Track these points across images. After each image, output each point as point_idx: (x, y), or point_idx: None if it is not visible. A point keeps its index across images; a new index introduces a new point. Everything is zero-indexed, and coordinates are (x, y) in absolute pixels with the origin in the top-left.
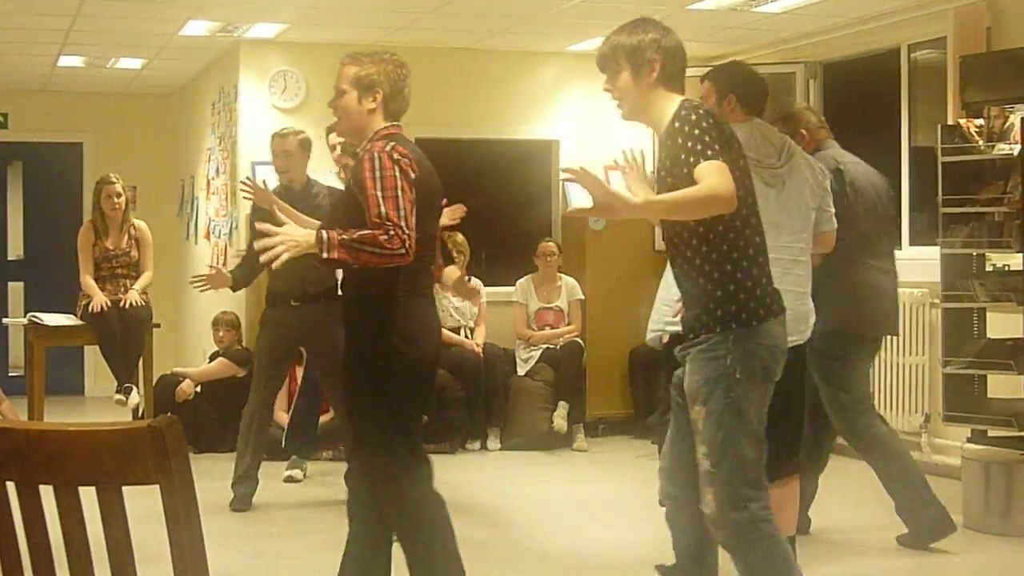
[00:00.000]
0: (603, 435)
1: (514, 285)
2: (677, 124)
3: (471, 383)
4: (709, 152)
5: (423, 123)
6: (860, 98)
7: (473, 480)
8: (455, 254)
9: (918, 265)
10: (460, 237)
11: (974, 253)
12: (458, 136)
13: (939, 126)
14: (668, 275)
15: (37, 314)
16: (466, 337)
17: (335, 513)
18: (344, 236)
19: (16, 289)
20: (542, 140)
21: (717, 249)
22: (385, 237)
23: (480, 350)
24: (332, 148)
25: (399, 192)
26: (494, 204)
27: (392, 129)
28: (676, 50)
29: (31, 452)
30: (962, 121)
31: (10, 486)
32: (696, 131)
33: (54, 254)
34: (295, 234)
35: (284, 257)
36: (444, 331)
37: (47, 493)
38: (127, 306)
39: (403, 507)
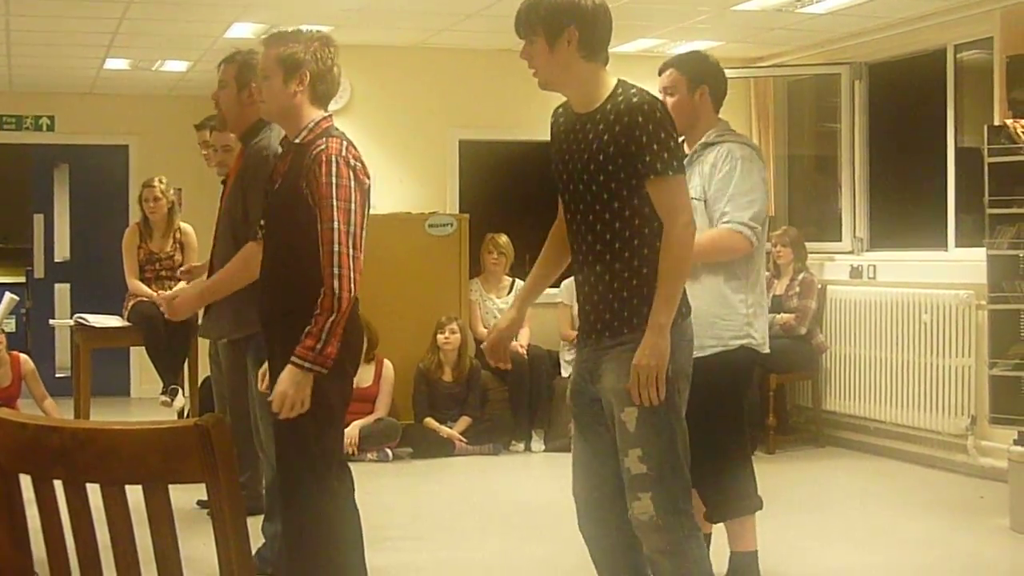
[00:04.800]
0: None
1: (559, 286)
2: (641, 117)
3: (515, 385)
4: (675, 163)
5: (467, 125)
6: (906, 99)
7: (517, 482)
8: (496, 255)
9: (964, 266)
10: (504, 238)
11: (1021, 254)
12: (502, 138)
13: (985, 127)
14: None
15: (84, 315)
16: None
17: (371, 514)
18: (318, 346)
19: (63, 291)
20: None
21: (639, 253)
22: (333, 299)
23: (524, 351)
24: (207, 147)
25: (352, 206)
26: (538, 205)
27: (326, 122)
28: (598, 15)
29: (78, 451)
30: (1008, 121)
31: (57, 485)
32: (662, 133)
33: (100, 256)
34: (286, 388)
35: (300, 408)
36: (488, 332)
37: (94, 492)
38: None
39: (308, 517)
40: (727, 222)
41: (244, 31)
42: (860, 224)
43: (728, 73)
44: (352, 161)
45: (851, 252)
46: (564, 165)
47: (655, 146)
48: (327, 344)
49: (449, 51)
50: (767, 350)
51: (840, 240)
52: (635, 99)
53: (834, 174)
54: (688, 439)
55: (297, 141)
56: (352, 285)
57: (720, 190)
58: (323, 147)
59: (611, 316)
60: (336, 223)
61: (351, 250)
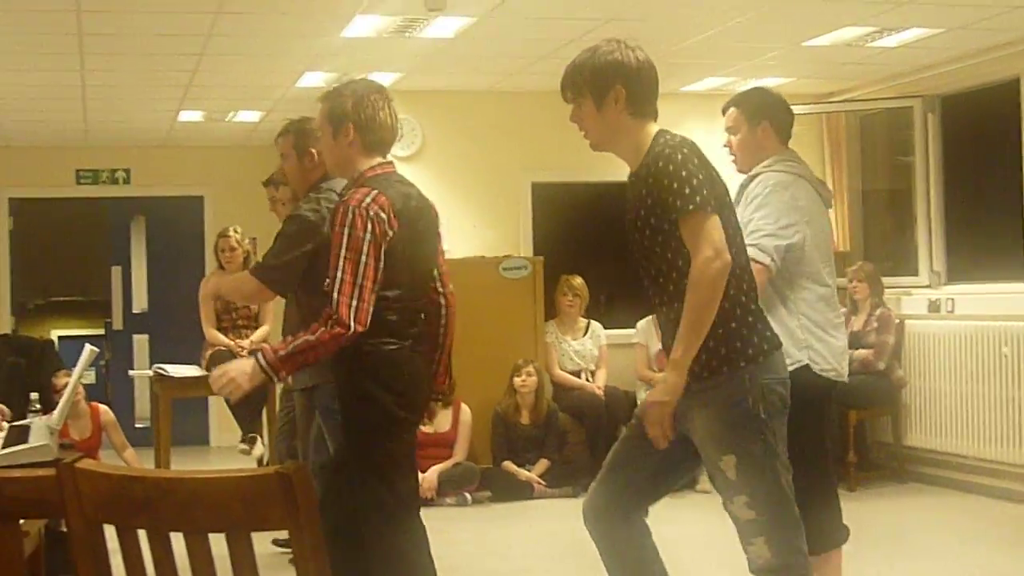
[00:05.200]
0: None
1: (635, 327)
2: (662, 162)
3: (593, 426)
4: (698, 199)
5: (539, 167)
6: (980, 130)
7: None
8: (571, 297)
9: None
10: (578, 280)
11: None
12: (574, 180)
13: None
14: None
15: (163, 366)
16: (587, 380)
17: (450, 558)
18: (282, 352)
19: (141, 342)
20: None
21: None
22: (323, 328)
23: (601, 392)
24: (275, 202)
25: (362, 257)
26: (613, 246)
27: (379, 169)
28: (643, 72)
29: (161, 500)
30: None
31: (141, 534)
32: (684, 171)
33: (178, 307)
34: (231, 371)
35: (239, 394)
36: (564, 374)
37: (177, 540)
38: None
39: (390, 561)
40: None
41: (315, 80)
42: (937, 257)
43: (799, 109)
44: (373, 211)
45: (928, 286)
46: (626, 222)
47: (675, 186)
48: (289, 359)
49: (519, 94)
50: (842, 378)
51: (917, 274)
52: (657, 148)
53: (909, 208)
54: (791, 476)
55: (342, 193)
56: (346, 330)
57: (746, 220)
58: (347, 197)
59: (720, 353)
60: (340, 272)
61: (353, 301)
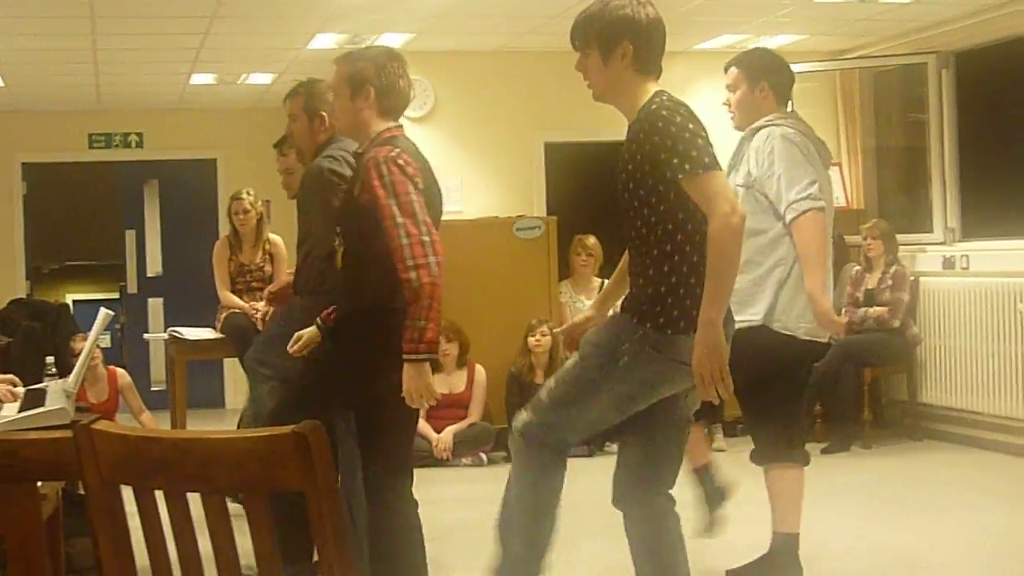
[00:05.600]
0: (741, 434)
1: None
2: (660, 123)
3: None
4: (707, 159)
5: (552, 127)
6: (995, 86)
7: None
8: (585, 257)
9: None
10: (592, 240)
11: None
12: (587, 139)
13: None
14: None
15: (177, 329)
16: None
17: (466, 517)
18: (412, 338)
19: (156, 305)
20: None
21: (670, 258)
22: (413, 285)
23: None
24: (283, 171)
25: (411, 197)
26: None
27: (394, 131)
28: (652, 30)
29: (178, 461)
30: None
31: (158, 495)
32: (686, 132)
33: (192, 270)
34: (413, 384)
35: (431, 394)
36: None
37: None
38: (264, 318)
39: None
40: (799, 210)
41: (327, 42)
42: (951, 214)
43: (813, 66)
44: (400, 162)
45: (943, 243)
46: (615, 176)
47: (679, 148)
48: (425, 330)
49: (531, 54)
50: (821, 339)
51: (931, 231)
52: (653, 107)
53: (923, 165)
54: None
55: (359, 151)
56: (433, 269)
57: (767, 173)
58: (371, 154)
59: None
60: (398, 218)
61: (423, 236)
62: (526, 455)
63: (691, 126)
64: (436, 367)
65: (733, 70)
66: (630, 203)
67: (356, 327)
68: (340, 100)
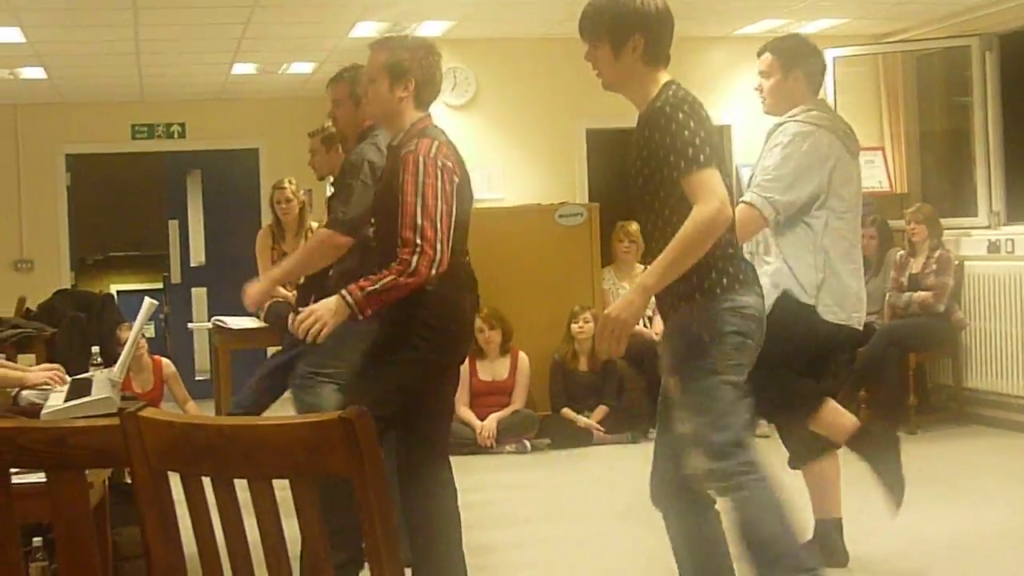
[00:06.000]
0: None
1: None
2: (663, 120)
3: (651, 372)
4: (702, 158)
5: (593, 114)
6: None
7: None
8: (627, 243)
9: None
10: (634, 226)
11: None
12: (628, 125)
13: None
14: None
15: (221, 318)
16: (645, 326)
17: (511, 504)
18: (369, 288)
19: (200, 294)
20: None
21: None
22: (406, 268)
23: (659, 338)
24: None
25: (439, 203)
26: None
27: (426, 120)
28: (662, 21)
29: (225, 447)
30: None
31: (206, 482)
32: (686, 131)
33: (235, 259)
34: (321, 310)
35: (326, 331)
36: None
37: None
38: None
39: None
40: (743, 198)
41: (368, 30)
42: (996, 198)
43: (855, 50)
44: (441, 161)
45: (988, 227)
46: (628, 165)
47: (677, 146)
48: (372, 297)
49: (572, 40)
50: (850, 324)
51: (976, 215)
52: (659, 103)
53: (968, 148)
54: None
55: (395, 144)
56: (431, 267)
57: (764, 166)
58: (412, 148)
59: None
60: (419, 219)
61: (437, 248)
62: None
63: (692, 124)
64: (480, 354)
65: (768, 56)
66: (642, 196)
67: (395, 313)
68: (377, 88)
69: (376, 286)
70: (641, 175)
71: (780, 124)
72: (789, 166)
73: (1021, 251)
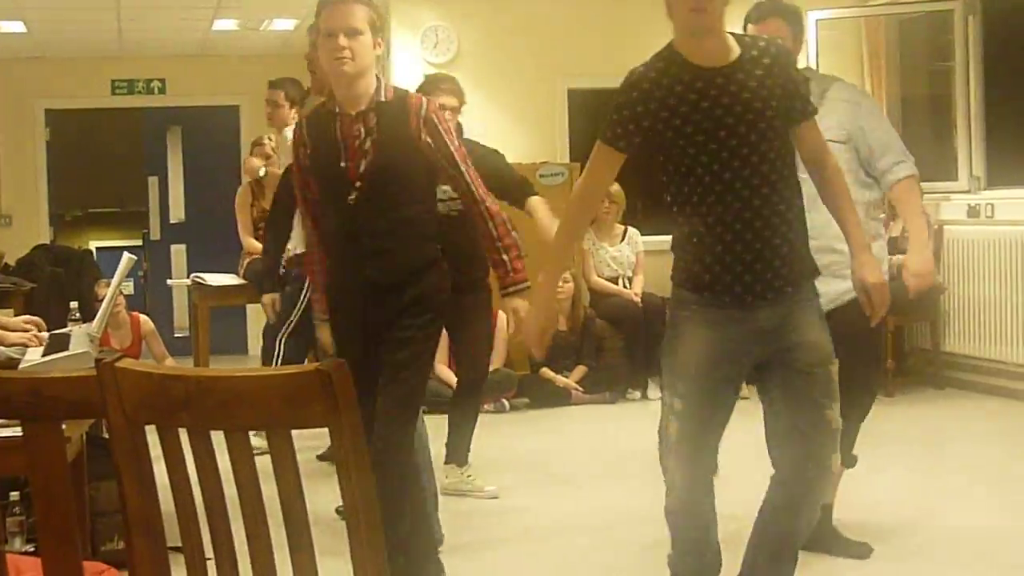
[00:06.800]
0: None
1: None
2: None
3: (630, 332)
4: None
5: (575, 73)
6: (1021, 34)
7: (634, 429)
8: (607, 203)
9: None
10: (615, 187)
11: None
12: (610, 85)
13: None
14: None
15: (200, 274)
16: (624, 286)
17: (489, 463)
18: (516, 255)
19: (179, 251)
20: None
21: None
22: (493, 212)
23: (639, 299)
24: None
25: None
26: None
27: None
28: None
29: (201, 398)
30: None
31: (182, 434)
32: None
33: (215, 216)
34: (522, 313)
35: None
36: (601, 281)
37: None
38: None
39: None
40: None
41: None
42: (977, 163)
43: (838, 13)
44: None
45: (968, 191)
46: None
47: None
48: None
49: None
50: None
51: (956, 180)
52: (762, 44)
53: (949, 114)
54: None
55: (383, 100)
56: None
57: (874, 140)
58: (426, 107)
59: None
60: (470, 172)
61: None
62: None
63: (618, 99)
64: None
65: (779, 22)
66: (759, 142)
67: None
68: (362, 41)
69: (514, 243)
70: (762, 119)
71: (823, 85)
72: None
73: (1001, 216)
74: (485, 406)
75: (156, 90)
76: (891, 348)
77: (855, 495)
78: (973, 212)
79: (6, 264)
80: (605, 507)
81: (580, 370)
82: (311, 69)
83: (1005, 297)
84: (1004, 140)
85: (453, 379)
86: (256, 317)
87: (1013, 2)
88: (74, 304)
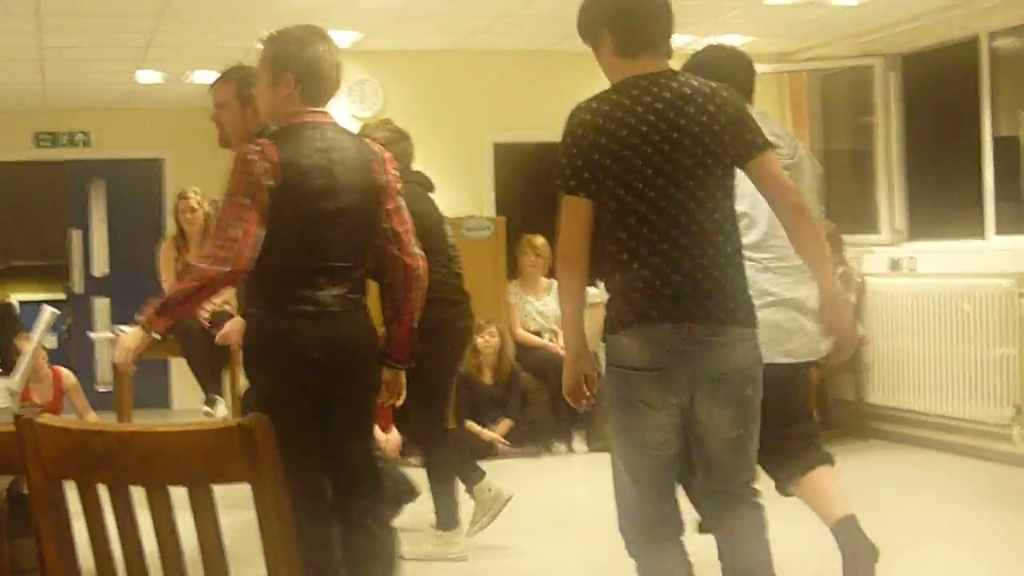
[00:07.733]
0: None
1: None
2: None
3: (555, 385)
4: (557, 181)
5: (501, 127)
6: (941, 89)
7: (560, 482)
8: (534, 257)
9: (1004, 255)
10: (540, 240)
11: None
12: (536, 139)
13: (1022, 113)
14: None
15: (122, 327)
16: (550, 340)
17: (415, 516)
18: (159, 304)
19: (102, 305)
20: None
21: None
22: (202, 268)
23: (564, 352)
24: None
25: (239, 199)
26: None
27: (305, 117)
28: (631, 12)
29: (122, 454)
30: None
31: (102, 491)
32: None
33: (139, 270)
34: (124, 342)
35: (131, 357)
36: (527, 334)
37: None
38: (211, 319)
39: None
40: None
41: None
42: (898, 216)
43: (761, 68)
44: (254, 158)
45: (890, 244)
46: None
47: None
48: (166, 312)
49: (481, 53)
50: None
51: (878, 232)
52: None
53: (871, 167)
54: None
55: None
56: (227, 263)
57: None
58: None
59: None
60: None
61: (226, 232)
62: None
63: (567, 140)
64: None
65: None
66: (685, 181)
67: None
68: (261, 87)
69: (167, 298)
70: (692, 156)
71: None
72: None
73: (922, 268)
74: (410, 459)
75: (80, 143)
76: (815, 399)
77: (783, 549)
78: (895, 265)
79: None
80: (528, 560)
81: (505, 424)
82: (217, 125)
83: (928, 349)
84: (925, 193)
85: (379, 433)
86: (178, 370)
87: (933, 57)
88: None
